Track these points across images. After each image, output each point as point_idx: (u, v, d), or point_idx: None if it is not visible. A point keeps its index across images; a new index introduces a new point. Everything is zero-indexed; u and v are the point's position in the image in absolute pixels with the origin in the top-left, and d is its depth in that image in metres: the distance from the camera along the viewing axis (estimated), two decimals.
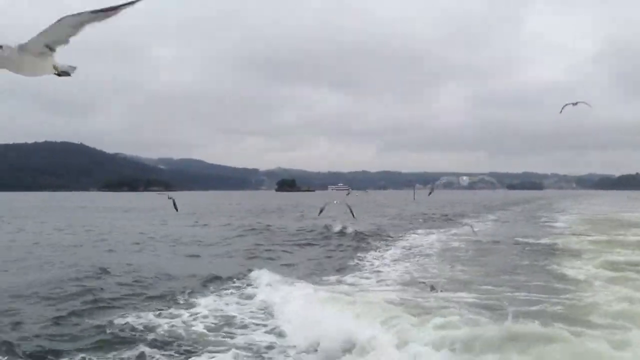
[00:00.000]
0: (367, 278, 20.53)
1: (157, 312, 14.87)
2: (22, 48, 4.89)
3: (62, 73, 5.41)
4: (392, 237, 35.54)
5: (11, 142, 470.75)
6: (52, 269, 22.84)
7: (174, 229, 43.59)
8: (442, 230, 41.21)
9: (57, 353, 11.68)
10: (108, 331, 13.03)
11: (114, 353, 11.71)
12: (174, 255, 28.72)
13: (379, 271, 22.21)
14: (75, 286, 18.37)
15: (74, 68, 5.49)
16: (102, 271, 21.33)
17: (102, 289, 18.12)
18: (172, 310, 15.12)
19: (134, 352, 11.65)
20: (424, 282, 18.05)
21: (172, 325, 13.61)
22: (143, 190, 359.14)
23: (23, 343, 12.19)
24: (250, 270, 20.89)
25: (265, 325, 13.74)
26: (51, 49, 5.03)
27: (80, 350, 11.90)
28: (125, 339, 12.49)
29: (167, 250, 30.64)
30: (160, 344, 12.17)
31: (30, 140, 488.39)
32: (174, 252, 29.85)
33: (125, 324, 13.62)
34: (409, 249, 29.37)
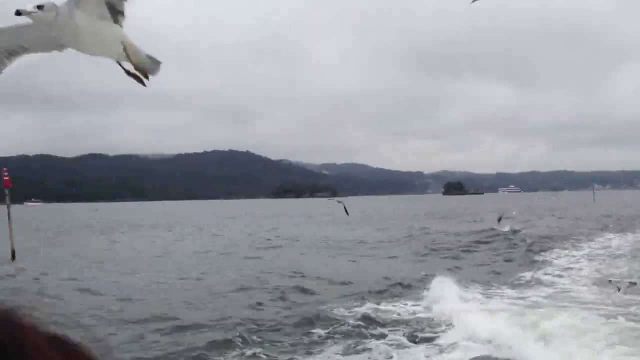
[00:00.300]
0: (558, 276, 21.19)
1: (367, 306, 16.73)
2: (75, 2, 3.51)
3: (137, 68, 3.82)
4: (575, 239, 35.15)
5: (183, 152, 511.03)
6: (262, 267, 26.22)
7: (356, 233, 46.15)
8: (629, 232, 39.57)
9: (293, 333, 14.20)
10: (336, 318, 15.31)
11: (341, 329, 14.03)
12: (361, 257, 31.07)
13: (568, 269, 22.82)
14: (291, 282, 21.39)
15: (157, 62, 3.87)
16: (304, 271, 24.06)
17: (313, 286, 20.79)
18: (382, 305, 17.00)
19: (368, 332, 13.82)
20: (613, 281, 18.12)
21: (396, 314, 15.76)
22: (308, 197, 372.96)
23: (260, 321, 15.12)
24: (437, 271, 21.82)
25: (455, 324, 14.53)
26: (115, 10, 3.66)
27: (311, 329, 14.35)
28: (343, 323, 14.68)
29: (353, 252, 33.18)
30: (381, 328, 14.23)
31: (199, 150, 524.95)
32: (362, 254, 32.26)
33: (349, 314, 15.83)
34: (594, 250, 29.29)
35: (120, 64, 3.73)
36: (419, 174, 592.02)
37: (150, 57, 3.78)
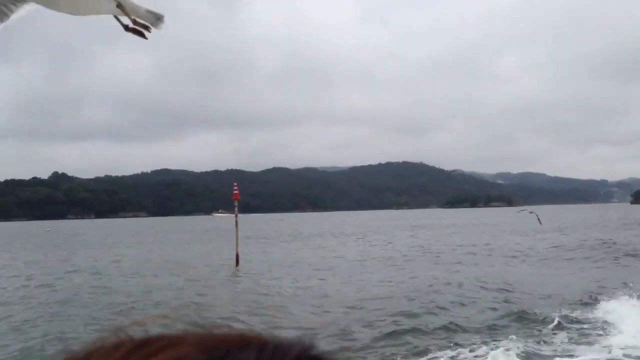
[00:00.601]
0: None
1: (577, 310, 17.85)
2: None
3: (136, 23, 3.64)
4: None
5: (358, 165, 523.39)
6: (468, 272, 28.21)
7: (549, 241, 46.25)
8: None
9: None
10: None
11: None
12: (562, 264, 31.79)
13: None
14: (496, 286, 23.27)
15: (159, 16, 3.73)
16: (508, 279, 25.34)
17: (523, 289, 22.44)
18: (592, 309, 17.94)
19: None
20: None
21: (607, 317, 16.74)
22: (483, 206, 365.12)
23: (483, 315, 17.08)
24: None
25: None
26: None
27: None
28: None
29: (551, 260, 33.77)
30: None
31: (374, 162, 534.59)
32: (561, 262, 32.88)
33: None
34: None
35: (118, 20, 3.64)
36: (603, 182, 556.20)
37: (150, 12, 3.68)
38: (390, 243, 51.55)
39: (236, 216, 34.45)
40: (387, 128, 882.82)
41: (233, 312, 18.75)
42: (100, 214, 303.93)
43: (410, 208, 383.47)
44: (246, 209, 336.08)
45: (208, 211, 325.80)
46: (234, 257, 34.06)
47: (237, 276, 29.99)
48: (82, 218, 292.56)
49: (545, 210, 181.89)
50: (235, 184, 35.08)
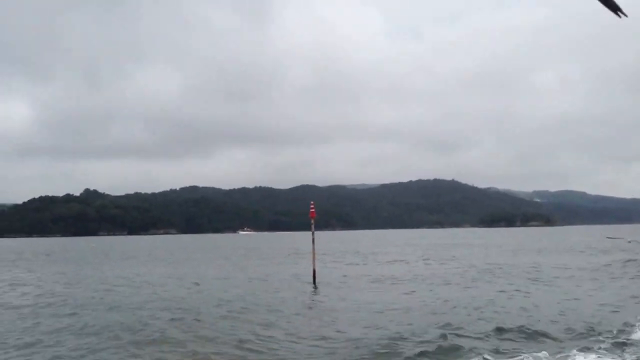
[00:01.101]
0: None
1: None
2: None
3: None
4: None
5: (388, 182, 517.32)
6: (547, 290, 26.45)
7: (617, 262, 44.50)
8: None
9: None
10: None
11: None
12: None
13: None
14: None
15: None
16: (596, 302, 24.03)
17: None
18: None
19: None
20: None
21: None
22: (520, 225, 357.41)
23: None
24: None
25: None
26: None
27: None
28: None
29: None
30: None
31: (404, 180, 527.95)
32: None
33: None
34: None
35: None
36: None
37: None
38: (455, 259, 50.91)
39: (313, 234, 33.75)
40: (418, 144, 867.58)
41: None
42: (132, 231, 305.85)
43: (443, 227, 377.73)
44: (275, 226, 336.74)
45: (236, 229, 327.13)
46: (312, 273, 33.41)
47: (332, 291, 28.95)
48: (114, 234, 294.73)
49: (591, 230, 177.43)
50: (312, 202, 34.60)
